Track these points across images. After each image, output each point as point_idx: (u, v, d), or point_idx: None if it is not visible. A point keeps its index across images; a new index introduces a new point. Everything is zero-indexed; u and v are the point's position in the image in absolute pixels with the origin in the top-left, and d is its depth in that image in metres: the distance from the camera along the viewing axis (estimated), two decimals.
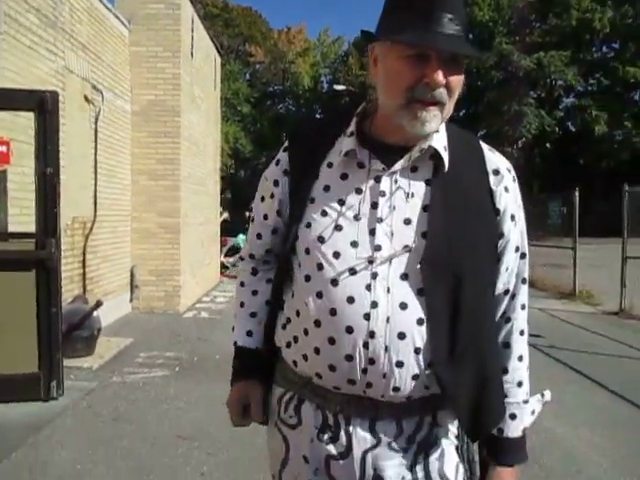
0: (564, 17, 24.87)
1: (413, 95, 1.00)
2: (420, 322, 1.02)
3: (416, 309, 1.02)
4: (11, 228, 4.30)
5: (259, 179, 1.26)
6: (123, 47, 7.00)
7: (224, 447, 3.24)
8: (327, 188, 1.10)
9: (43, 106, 3.81)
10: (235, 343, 1.26)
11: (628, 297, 7.57)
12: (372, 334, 1.02)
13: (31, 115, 3.95)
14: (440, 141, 1.08)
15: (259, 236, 1.25)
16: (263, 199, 1.23)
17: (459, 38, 0.99)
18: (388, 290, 1.02)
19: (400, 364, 1.02)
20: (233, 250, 11.70)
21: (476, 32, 27.36)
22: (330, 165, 1.12)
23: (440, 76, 0.98)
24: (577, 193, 9.24)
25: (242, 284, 1.29)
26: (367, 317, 1.02)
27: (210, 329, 6.40)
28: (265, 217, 1.22)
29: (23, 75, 4.57)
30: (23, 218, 4.38)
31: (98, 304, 4.98)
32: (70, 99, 5.47)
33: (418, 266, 1.02)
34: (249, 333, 1.25)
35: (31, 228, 3.97)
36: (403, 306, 1.02)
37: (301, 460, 1.13)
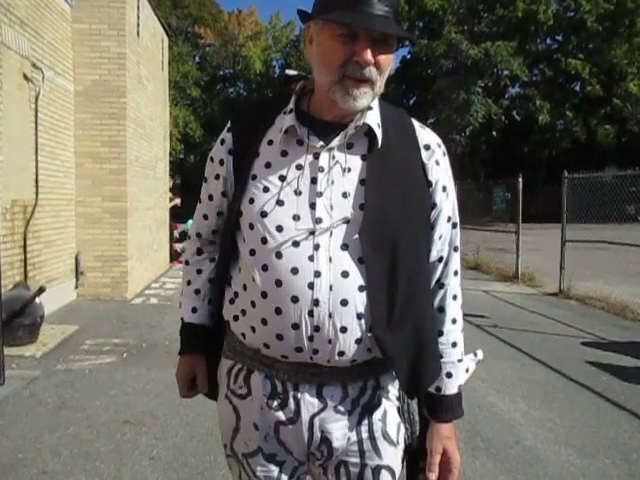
0: (510, 8, 25.45)
1: (345, 72, 1.05)
2: (361, 289, 1.08)
3: (357, 277, 1.08)
4: None
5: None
6: (65, 24, 6.71)
7: (173, 431, 3.23)
8: (268, 165, 1.14)
9: None
10: (182, 319, 1.32)
11: (567, 279, 7.94)
12: (316, 302, 1.06)
13: None
14: (374, 118, 1.13)
15: (205, 217, 1.29)
16: (208, 180, 1.26)
17: (387, 19, 1.04)
18: (330, 260, 1.07)
19: (344, 329, 1.07)
20: (183, 236, 11.52)
21: (425, 20, 27.69)
22: (270, 142, 1.16)
23: (369, 55, 1.03)
24: (520, 180, 9.56)
25: (187, 262, 1.35)
26: (311, 286, 1.07)
27: (159, 315, 6.30)
28: (210, 198, 1.26)
29: None
30: None
31: (40, 290, 4.82)
32: (7, 77, 5.22)
33: (356, 236, 1.07)
34: (194, 310, 1.31)
35: None
36: (345, 274, 1.07)
37: (251, 427, 1.17)
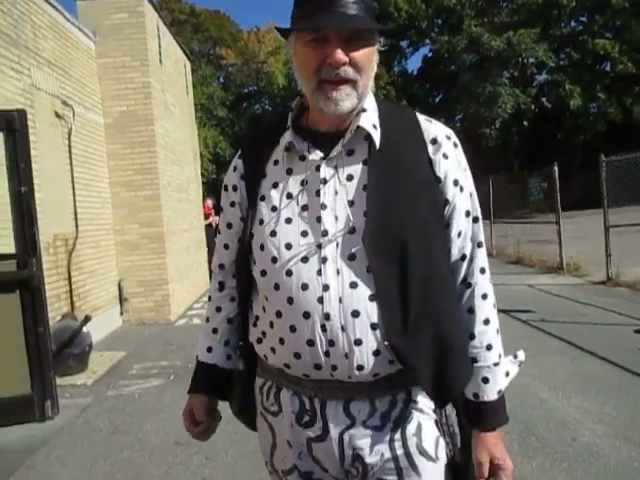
0: None
1: (321, 77, 1.05)
2: (372, 298, 1.05)
3: (366, 286, 1.05)
4: None
5: None
6: (90, 60, 6.94)
7: (223, 450, 3.24)
8: (275, 185, 1.14)
9: (11, 125, 3.77)
10: (197, 357, 1.32)
11: (614, 266, 7.66)
12: (327, 316, 1.05)
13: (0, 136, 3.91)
14: (369, 120, 1.11)
15: (226, 246, 1.28)
16: (224, 209, 1.27)
17: (354, 16, 1.03)
18: (338, 272, 1.05)
19: (359, 342, 1.05)
20: None
21: (444, 17, 27.45)
22: (276, 162, 1.16)
23: (340, 54, 1.02)
24: (556, 168, 9.32)
25: (209, 298, 1.35)
26: (321, 300, 1.05)
27: None
28: (229, 226, 1.26)
29: None
30: (3, 240, 4.34)
31: (86, 319, 4.96)
32: (40, 116, 5.42)
33: (361, 245, 1.05)
34: (209, 349, 1.30)
35: (11, 249, 3.94)
36: (353, 285, 1.05)
37: (286, 445, 1.17)
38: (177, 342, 6.10)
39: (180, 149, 9.08)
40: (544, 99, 27.87)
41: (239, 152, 1.25)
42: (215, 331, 1.30)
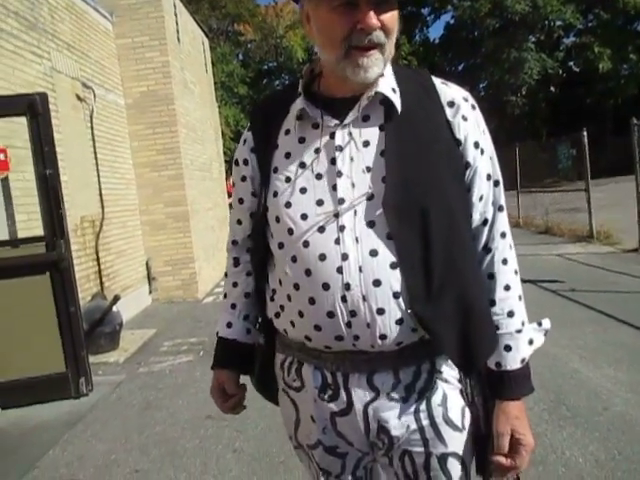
0: None
1: (350, 44, 1.00)
2: (393, 266, 1.02)
3: (387, 254, 1.02)
4: (21, 234, 4.35)
5: None
6: (109, 41, 6.94)
7: (253, 422, 3.29)
8: (288, 155, 1.11)
9: (34, 109, 3.80)
10: (217, 333, 1.31)
11: None
12: (347, 286, 1.02)
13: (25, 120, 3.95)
14: (387, 84, 1.07)
15: (239, 222, 1.26)
16: (236, 184, 1.24)
17: None
18: (357, 240, 1.02)
19: (381, 311, 1.02)
20: None
21: None
22: (287, 132, 1.13)
23: (373, 19, 0.98)
24: (585, 133, 9.04)
25: (226, 274, 1.34)
26: (340, 270, 1.02)
27: None
28: (240, 201, 1.24)
29: (10, 81, 4.56)
30: (32, 223, 4.42)
31: (116, 299, 5.05)
32: (62, 99, 5.46)
33: (380, 211, 1.02)
34: (229, 325, 1.29)
35: (40, 232, 4.01)
36: (373, 253, 1.02)
37: (309, 420, 1.16)
38: (205, 319, 6.19)
39: (202, 128, 9.07)
40: (572, 63, 26.98)
41: (248, 125, 1.22)
42: (234, 306, 1.29)
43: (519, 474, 1.12)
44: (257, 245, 1.20)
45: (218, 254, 9.19)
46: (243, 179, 1.22)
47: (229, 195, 11.29)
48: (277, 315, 1.15)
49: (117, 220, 6.54)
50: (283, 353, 1.20)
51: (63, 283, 3.92)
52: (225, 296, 1.32)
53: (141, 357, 4.93)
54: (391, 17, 1.01)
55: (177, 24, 7.93)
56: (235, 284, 1.30)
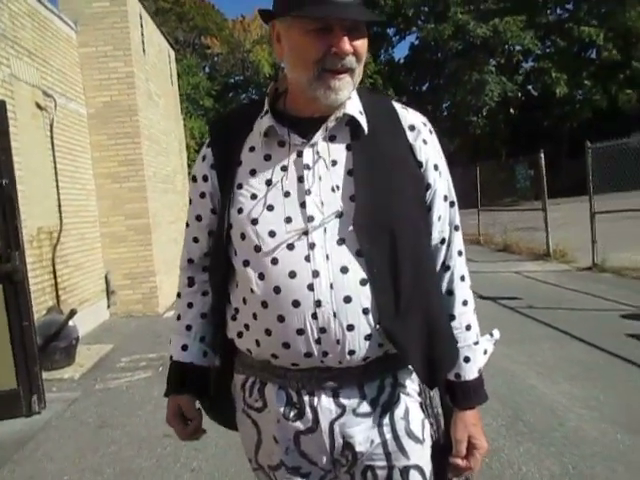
0: None
1: (323, 66, 1.02)
2: (363, 283, 1.04)
3: (357, 271, 1.04)
4: None
5: None
6: (71, 49, 6.82)
7: (212, 441, 3.22)
8: (253, 171, 1.11)
9: None
10: (170, 357, 1.26)
11: (599, 252, 7.72)
12: (319, 303, 1.03)
13: None
14: (354, 106, 1.10)
15: (195, 240, 1.24)
16: (193, 201, 1.22)
17: (358, 5, 1.02)
18: (327, 257, 1.04)
19: (351, 327, 1.04)
20: None
21: (430, 4, 27.34)
22: (252, 149, 1.13)
23: (347, 44, 1.01)
24: (542, 155, 9.36)
25: (179, 295, 1.29)
26: (311, 287, 1.03)
27: None
28: (198, 218, 1.21)
29: None
30: None
31: (72, 313, 4.91)
32: (21, 108, 5.32)
33: (351, 229, 1.04)
34: (184, 347, 1.24)
35: None
36: (344, 270, 1.04)
37: (272, 441, 1.15)
38: (165, 334, 6.05)
39: (166, 140, 8.98)
40: (530, 87, 27.94)
41: (207, 141, 1.21)
42: (189, 328, 1.24)
43: (471, 474, 1.20)
44: (217, 263, 1.17)
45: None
46: (202, 196, 1.20)
47: None
48: (240, 335, 1.13)
49: (76, 232, 6.37)
50: (244, 374, 1.18)
51: (16, 296, 3.78)
52: (179, 317, 1.27)
53: (97, 373, 4.79)
54: (362, 43, 1.05)
55: (142, 35, 7.86)
56: (190, 304, 1.26)
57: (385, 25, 27.72)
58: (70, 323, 4.92)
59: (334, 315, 1.03)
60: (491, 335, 1.22)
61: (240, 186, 1.11)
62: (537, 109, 26.73)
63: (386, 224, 1.05)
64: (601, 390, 3.51)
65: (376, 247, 1.04)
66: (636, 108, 24.35)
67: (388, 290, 1.05)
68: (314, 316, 1.03)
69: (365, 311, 1.04)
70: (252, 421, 1.17)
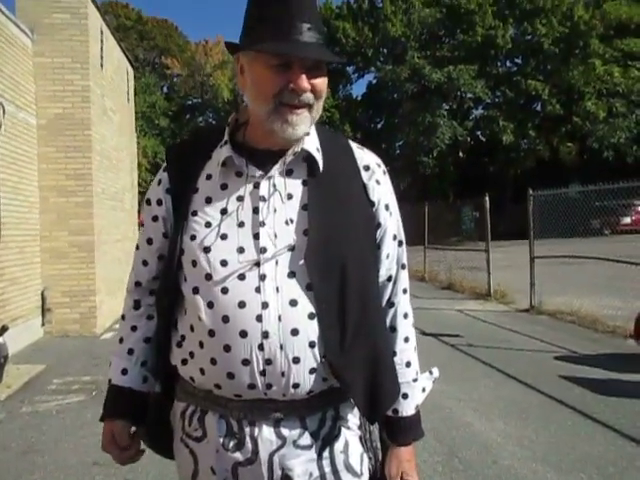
0: (470, 33, 26.24)
1: (281, 100, 1.05)
2: (311, 316, 1.06)
3: (306, 304, 1.06)
4: None
5: None
6: (26, 58, 6.65)
7: (144, 471, 3.11)
8: (208, 200, 1.12)
9: None
10: (109, 381, 1.24)
11: (537, 295, 8.04)
12: (266, 334, 1.04)
13: None
14: (312, 143, 1.13)
15: (145, 263, 1.23)
16: (145, 224, 1.22)
17: (319, 45, 1.06)
18: (277, 289, 1.05)
19: (297, 360, 1.05)
20: None
21: (389, 46, 28.34)
22: (209, 177, 1.14)
23: (305, 82, 1.05)
24: (487, 198, 9.72)
25: (123, 317, 1.27)
26: (259, 319, 1.04)
27: None
28: (149, 241, 1.21)
29: None
30: None
31: (3, 329, 4.66)
32: None
33: (302, 262, 1.05)
34: (124, 371, 1.22)
35: None
36: (293, 303, 1.05)
37: (209, 472, 1.13)
38: (102, 356, 5.82)
39: (117, 156, 8.80)
40: (479, 133, 29.17)
41: (164, 165, 1.21)
42: (131, 352, 1.22)
43: None
44: (166, 288, 1.16)
45: (123, 288, 8.77)
46: (155, 219, 1.19)
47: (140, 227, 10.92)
48: (184, 362, 1.12)
49: (15, 245, 6.11)
50: (185, 401, 1.16)
51: None
52: (121, 340, 1.24)
53: (25, 395, 4.55)
54: (321, 82, 1.08)
55: (102, 50, 7.77)
56: (134, 328, 1.24)
57: (345, 63, 28.46)
58: (0, 340, 4.67)
59: (280, 347, 1.04)
60: (430, 373, 1.24)
61: (195, 213, 1.12)
62: (484, 154, 27.93)
63: (337, 260, 1.07)
64: (534, 430, 3.62)
65: (326, 282, 1.06)
66: (576, 160, 25.82)
67: (335, 325, 1.07)
68: (260, 347, 1.04)
69: (312, 344, 1.05)
70: (190, 450, 1.15)
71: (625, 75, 24.56)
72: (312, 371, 1.06)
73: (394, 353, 1.17)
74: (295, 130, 1.07)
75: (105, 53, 7.91)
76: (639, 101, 24.89)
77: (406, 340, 1.19)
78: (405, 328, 1.19)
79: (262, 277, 1.05)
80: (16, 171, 6.24)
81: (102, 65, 7.78)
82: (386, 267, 1.17)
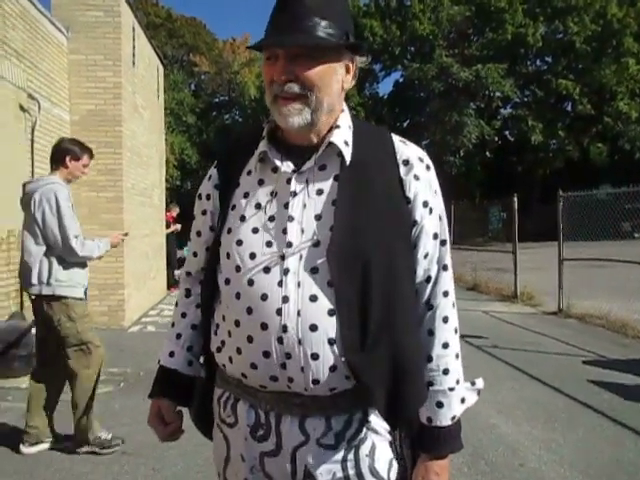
0: (500, 32, 25.88)
1: (275, 92, 1.08)
2: (331, 313, 1.05)
3: (326, 301, 1.05)
4: None
5: None
6: (61, 55, 6.80)
7: (172, 461, 3.16)
8: (246, 195, 1.15)
9: None
10: (159, 361, 1.31)
11: (565, 297, 7.91)
12: (285, 328, 1.04)
13: None
14: (340, 136, 1.12)
15: (195, 254, 1.29)
16: (196, 217, 1.27)
17: (303, 32, 1.04)
18: (299, 284, 1.05)
19: (315, 356, 1.04)
20: (181, 262, 11.50)
21: (417, 45, 28.13)
22: (249, 173, 1.17)
23: (279, 73, 1.06)
24: (516, 199, 9.60)
25: (177, 304, 1.34)
26: (279, 312, 1.05)
27: (157, 343, 6.18)
28: (199, 234, 1.26)
29: None
30: None
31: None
32: (3, 107, 5.26)
33: (324, 258, 1.05)
34: (171, 354, 1.29)
35: None
36: (313, 298, 1.05)
37: (239, 458, 1.15)
38: (129, 349, 5.95)
39: (147, 153, 8.94)
40: (507, 132, 28.77)
41: (215, 162, 1.26)
42: (179, 336, 1.29)
43: None
44: (208, 279, 1.21)
45: (150, 282, 8.93)
46: (204, 213, 1.24)
47: (167, 224, 11.06)
48: (218, 349, 1.16)
49: None
50: (222, 387, 1.20)
51: None
52: (172, 325, 1.32)
53: None
54: (309, 72, 1.05)
55: (134, 47, 7.89)
56: (184, 314, 1.30)
57: (372, 60, 28.33)
58: (33, 331, 4.78)
59: (299, 342, 1.04)
60: (472, 384, 1.17)
61: (233, 207, 1.15)
62: (512, 154, 27.52)
63: (361, 256, 1.05)
64: (561, 433, 3.57)
65: (347, 278, 1.04)
66: (606, 162, 25.28)
67: (355, 322, 1.04)
68: (280, 340, 1.05)
69: (330, 341, 1.04)
70: (223, 436, 1.19)
71: None
72: (332, 369, 1.04)
73: (430, 358, 1.12)
74: (287, 121, 1.08)
75: (137, 51, 8.04)
76: None
77: (445, 346, 1.13)
78: (444, 333, 1.13)
79: (285, 271, 1.06)
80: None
81: (134, 62, 7.90)
82: (424, 267, 1.13)
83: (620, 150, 25.06)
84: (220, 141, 30.76)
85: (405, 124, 30.38)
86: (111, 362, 5.34)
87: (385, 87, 70.96)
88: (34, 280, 3.17)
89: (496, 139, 27.28)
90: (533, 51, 26.76)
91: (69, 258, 3.22)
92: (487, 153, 28.07)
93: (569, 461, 3.17)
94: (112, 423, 3.76)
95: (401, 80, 29.72)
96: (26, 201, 3.29)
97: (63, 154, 3.34)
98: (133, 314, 7.60)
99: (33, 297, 3.29)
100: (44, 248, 3.19)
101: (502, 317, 7.86)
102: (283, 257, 1.06)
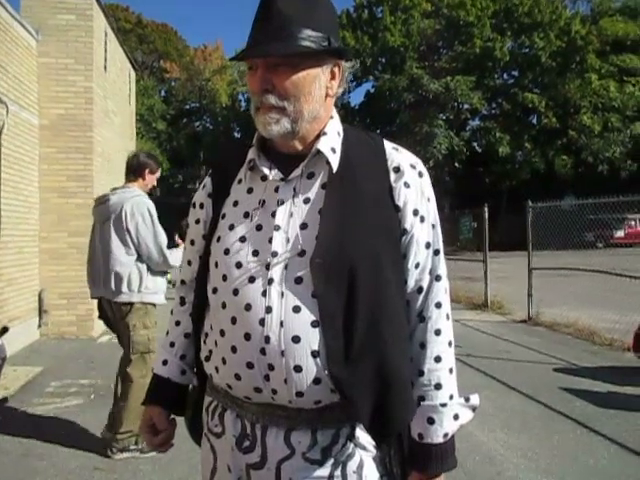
0: (468, 45, 26.45)
1: (255, 103, 1.08)
2: (314, 325, 1.01)
3: (310, 312, 1.02)
4: None
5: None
6: (30, 58, 6.63)
7: (146, 477, 3.09)
8: (236, 203, 1.14)
9: None
10: (152, 369, 1.32)
11: (534, 306, 8.06)
12: (267, 339, 1.02)
13: None
14: (327, 143, 1.10)
15: (189, 263, 1.29)
16: (190, 226, 1.27)
17: (279, 42, 1.02)
18: (282, 295, 1.03)
19: (298, 368, 1.01)
20: None
21: (388, 56, 28.50)
22: (240, 181, 1.16)
23: (254, 84, 1.07)
24: (486, 209, 9.76)
25: (172, 312, 1.33)
26: (262, 323, 1.03)
27: None
28: (192, 243, 1.26)
29: None
30: None
31: (4, 330, 4.59)
32: None
33: (308, 268, 1.02)
34: (165, 362, 1.29)
35: None
36: (296, 309, 1.02)
37: (225, 469, 1.13)
38: (99, 360, 5.78)
39: (117, 159, 8.77)
40: (475, 144, 29.33)
41: (209, 171, 1.26)
42: (172, 345, 1.29)
43: None
44: (199, 287, 1.20)
45: None
46: (197, 222, 1.24)
47: None
48: (207, 358, 1.15)
49: (14, 245, 6.07)
50: (211, 396, 1.19)
51: None
52: (167, 333, 1.31)
53: (23, 397, 4.50)
54: (286, 80, 1.04)
55: (106, 52, 7.77)
56: (178, 323, 1.30)
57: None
58: (0, 341, 4.62)
59: (281, 354, 1.01)
60: (467, 400, 1.12)
61: (224, 216, 1.14)
62: (480, 165, 28.05)
63: (346, 266, 1.01)
64: (536, 441, 3.62)
65: (331, 288, 1.01)
66: (570, 173, 25.99)
67: (339, 334, 1.01)
68: (262, 352, 1.02)
69: (314, 354, 1.01)
70: (210, 446, 1.17)
71: (621, 90, 24.85)
72: (316, 381, 1.01)
73: (421, 372, 1.08)
74: (267, 130, 1.07)
75: (109, 55, 7.91)
76: (634, 116, 25.16)
77: (437, 360, 1.09)
78: (437, 346, 1.09)
79: (269, 281, 1.04)
80: (17, 171, 6.20)
81: (105, 67, 7.77)
82: (415, 277, 1.09)
83: (584, 162, 25.79)
84: (190, 148, 30.48)
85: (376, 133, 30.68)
86: (81, 373, 5.23)
87: (356, 97, 71.79)
88: (124, 288, 3.27)
89: (465, 150, 27.79)
90: (500, 65, 27.39)
91: (158, 267, 3.34)
92: (456, 164, 28.53)
93: (545, 468, 3.22)
94: (84, 437, 3.66)
95: (372, 91, 30.05)
96: (110, 211, 3.38)
97: (143, 167, 3.52)
98: (102, 324, 7.41)
99: (113, 304, 3.36)
100: (134, 257, 3.28)
101: (474, 325, 7.95)
102: (268, 267, 1.04)
